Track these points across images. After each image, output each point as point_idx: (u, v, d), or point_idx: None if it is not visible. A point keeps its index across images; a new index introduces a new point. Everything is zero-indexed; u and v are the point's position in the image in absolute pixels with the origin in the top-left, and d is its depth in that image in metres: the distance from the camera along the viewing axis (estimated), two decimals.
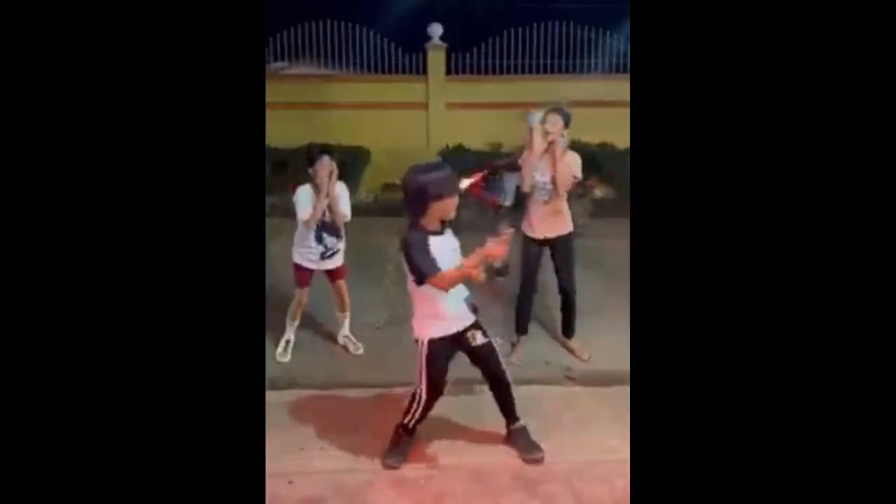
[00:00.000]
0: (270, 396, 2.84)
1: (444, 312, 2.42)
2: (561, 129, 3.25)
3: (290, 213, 3.42)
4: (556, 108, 3.32)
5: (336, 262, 3.41)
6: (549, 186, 3.27)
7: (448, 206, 2.34)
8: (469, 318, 2.47)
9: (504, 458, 2.48)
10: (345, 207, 3.37)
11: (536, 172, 3.30)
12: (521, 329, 3.50)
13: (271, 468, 2.33)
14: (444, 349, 2.45)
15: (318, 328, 3.67)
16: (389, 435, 2.52)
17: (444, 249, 2.36)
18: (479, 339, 2.46)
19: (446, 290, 2.33)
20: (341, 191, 3.36)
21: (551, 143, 3.24)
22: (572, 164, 3.27)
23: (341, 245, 3.41)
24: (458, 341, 2.46)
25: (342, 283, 3.47)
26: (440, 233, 2.38)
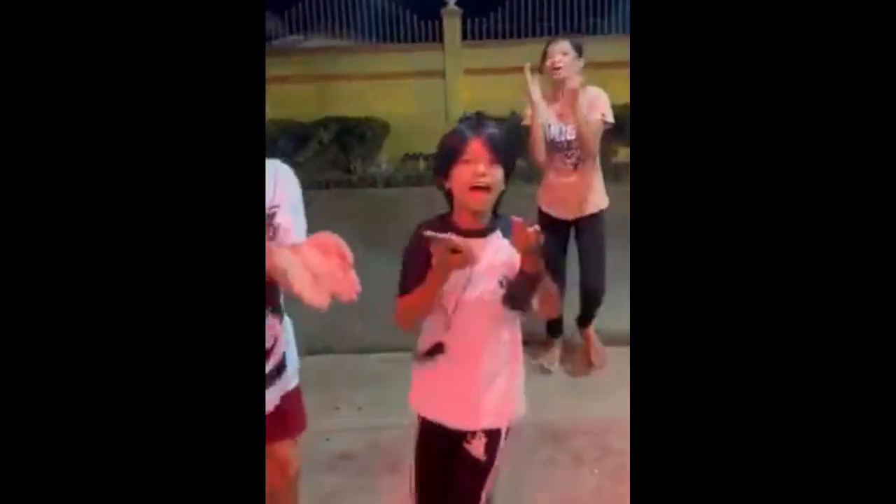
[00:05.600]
0: (307, 361, 2.96)
1: (439, 384, 1.45)
2: (572, 60, 2.39)
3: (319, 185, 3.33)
4: (562, 37, 2.52)
5: (281, 387, 1.43)
6: (570, 139, 2.41)
7: (464, 174, 1.35)
8: (500, 416, 1.46)
9: (529, 415, 2.55)
10: (293, 225, 1.35)
11: (549, 125, 2.43)
12: (554, 330, 2.76)
13: (309, 427, 2.46)
14: (441, 438, 1.48)
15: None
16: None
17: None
18: (479, 450, 1.45)
19: (402, 325, 1.44)
20: (284, 186, 1.39)
21: (560, 81, 2.39)
22: (598, 104, 2.39)
23: (280, 333, 1.43)
24: (457, 440, 1.47)
25: (290, 448, 1.47)
26: (477, 233, 1.40)
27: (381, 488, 2.17)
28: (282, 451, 1.43)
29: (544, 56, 2.46)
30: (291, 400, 1.45)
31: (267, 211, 1.32)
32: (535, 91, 2.41)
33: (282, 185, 1.40)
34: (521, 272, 1.36)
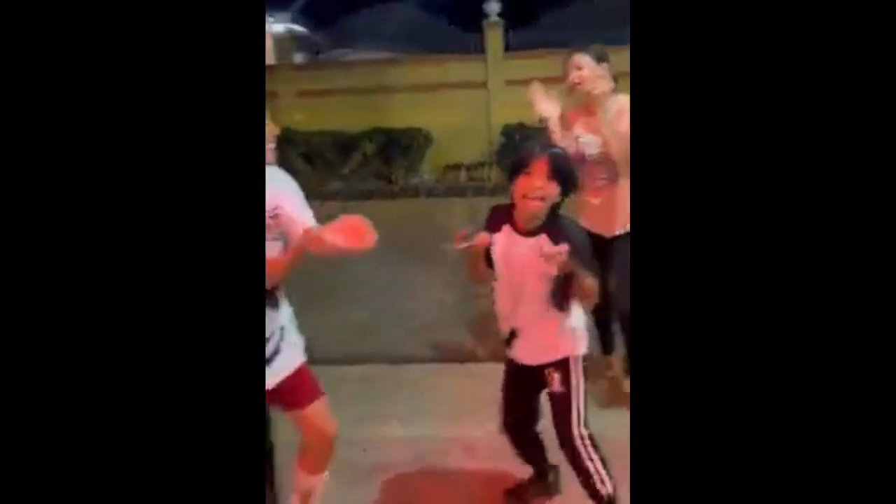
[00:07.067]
0: (343, 371, 3.00)
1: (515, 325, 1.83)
2: (591, 71, 2.29)
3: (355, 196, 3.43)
4: (582, 48, 2.39)
5: (282, 367, 1.63)
6: (597, 154, 2.29)
7: (522, 186, 1.65)
8: (555, 352, 1.81)
9: None
10: (298, 213, 1.56)
11: (579, 137, 2.33)
12: (607, 349, 2.69)
13: (346, 436, 2.47)
14: (518, 376, 1.90)
15: (388, 303, 3.76)
16: (457, 404, 2.60)
17: (516, 253, 1.72)
18: (555, 384, 1.81)
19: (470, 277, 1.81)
20: (283, 187, 1.58)
21: (585, 94, 2.29)
22: (627, 113, 2.13)
23: (283, 319, 1.66)
24: (539, 376, 1.84)
25: (311, 413, 1.69)
26: (525, 233, 1.72)
27: (419, 499, 2.17)
28: (311, 414, 1.73)
29: (565, 66, 2.41)
30: (301, 374, 1.72)
31: (271, 212, 1.54)
32: (549, 107, 2.36)
33: (280, 187, 1.60)
34: (556, 276, 1.67)
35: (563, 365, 1.82)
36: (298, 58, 10.13)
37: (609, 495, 1.76)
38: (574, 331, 1.83)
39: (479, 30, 8.21)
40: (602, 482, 1.77)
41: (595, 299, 1.76)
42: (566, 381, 1.81)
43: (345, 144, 7.62)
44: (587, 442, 1.79)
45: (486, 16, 8.15)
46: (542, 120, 2.37)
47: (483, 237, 1.71)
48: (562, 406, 1.82)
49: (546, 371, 1.81)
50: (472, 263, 1.78)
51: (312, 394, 1.74)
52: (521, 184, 1.67)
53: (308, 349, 1.79)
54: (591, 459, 1.78)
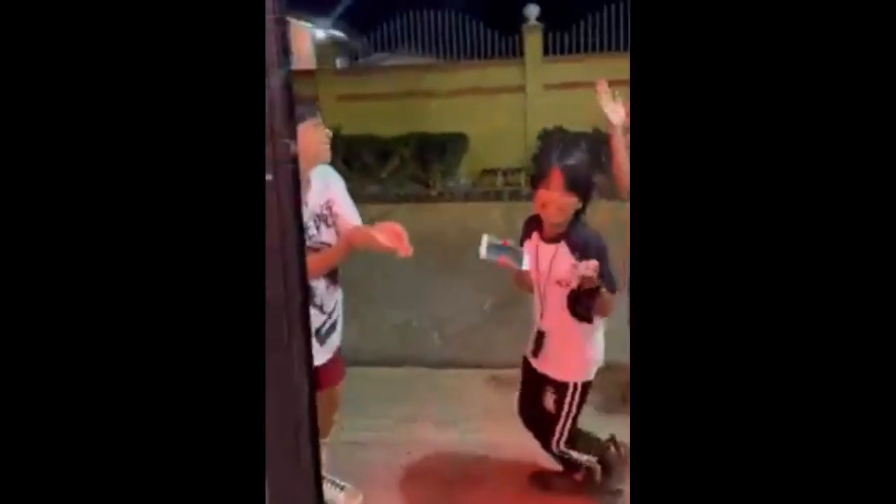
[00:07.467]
0: (379, 372, 3.03)
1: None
2: None
3: (394, 199, 3.45)
4: None
5: (331, 346, 1.86)
6: None
7: (541, 198, 1.74)
8: (560, 371, 1.89)
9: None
10: (348, 212, 1.79)
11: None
12: None
13: (388, 439, 2.50)
14: (528, 374, 2.00)
15: (425, 307, 3.78)
16: (492, 409, 2.60)
17: (540, 259, 1.82)
18: (549, 403, 1.91)
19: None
20: (334, 184, 1.81)
21: None
22: None
23: (338, 298, 1.87)
24: (543, 383, 1.94)
25: (340, 389, 1.99)
26: (547, 239, 1.82)
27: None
28: (333, 394, 1.96)
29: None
30: (338, 356, 1.93)
31: (325, 203, 1.77)
32: (617, 112, 1.99)
33: (332, 183, 1.82)
34: (579, 289, 1.70)
35: (561, 388, 1.89)
36: (339, 63, 10.29)
37: (596, 477, 1.99)
38: (586, 358, 1.87)
39: (518, 34, 8.20)
40: (589, 468, 1.99)
41: (610, 312, 1.78)
42: (559, 403, 1.89)
43: (383, 148, 7.69)
44: (564, 454, 1.97)
45: (525, 20, 8.13)
46: (610, 126, 2.01)
47: (502, 260, 1.75)
48: (550, 421, 1.93)
49: (545, 389, 1.91)
50: (514, 276, 1.85)
51: (343, 371, 1.99)
52: (541, 196, 1.75)
53: (340, 350, 1.94)
54: (571, 461, 1.99)
